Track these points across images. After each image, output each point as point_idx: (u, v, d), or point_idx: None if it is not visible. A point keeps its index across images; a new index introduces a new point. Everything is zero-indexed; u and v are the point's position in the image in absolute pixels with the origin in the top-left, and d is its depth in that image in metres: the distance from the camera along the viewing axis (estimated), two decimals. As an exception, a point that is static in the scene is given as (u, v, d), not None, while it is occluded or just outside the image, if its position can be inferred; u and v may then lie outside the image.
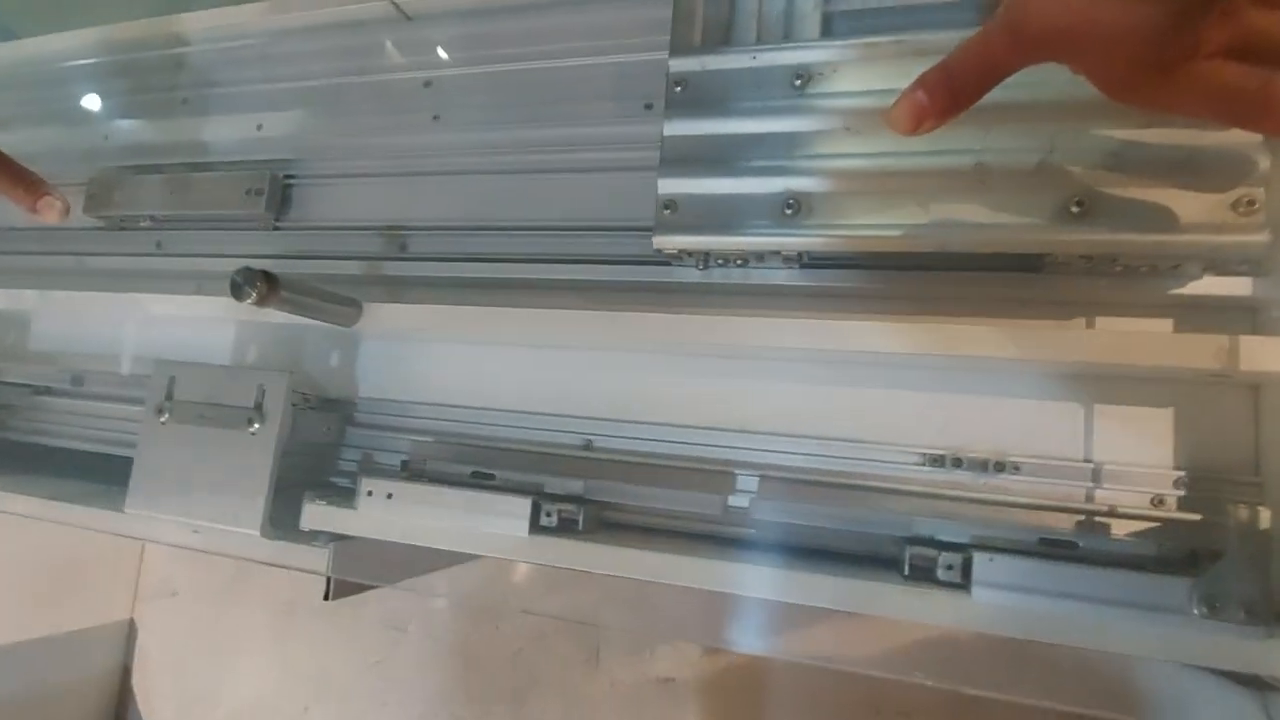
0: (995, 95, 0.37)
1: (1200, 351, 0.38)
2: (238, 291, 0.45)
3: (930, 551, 0.39)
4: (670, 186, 0.43)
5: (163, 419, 0.55)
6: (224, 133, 0.67)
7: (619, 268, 0.51)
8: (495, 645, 1.08)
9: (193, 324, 0.64)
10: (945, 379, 0.45)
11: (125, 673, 1.34)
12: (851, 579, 0.39)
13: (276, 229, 0.63)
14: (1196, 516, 0.38)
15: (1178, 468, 0.40)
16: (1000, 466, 0.42)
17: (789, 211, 0.40)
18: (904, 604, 0.38)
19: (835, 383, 0.46)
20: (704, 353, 0.48)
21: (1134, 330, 0.41)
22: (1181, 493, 0.39)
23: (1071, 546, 0.38)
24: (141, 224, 0.67)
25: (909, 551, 0.40)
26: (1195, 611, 0.34)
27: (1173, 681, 0.42)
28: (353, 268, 0.59)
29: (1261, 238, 0.34)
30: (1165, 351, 0.38)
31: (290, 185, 0.63)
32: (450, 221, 0.57)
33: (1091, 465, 0.41)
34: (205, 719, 1.27)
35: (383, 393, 0.58)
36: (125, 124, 0.72)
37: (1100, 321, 0.42)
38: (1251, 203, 0.34)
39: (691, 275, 0.48)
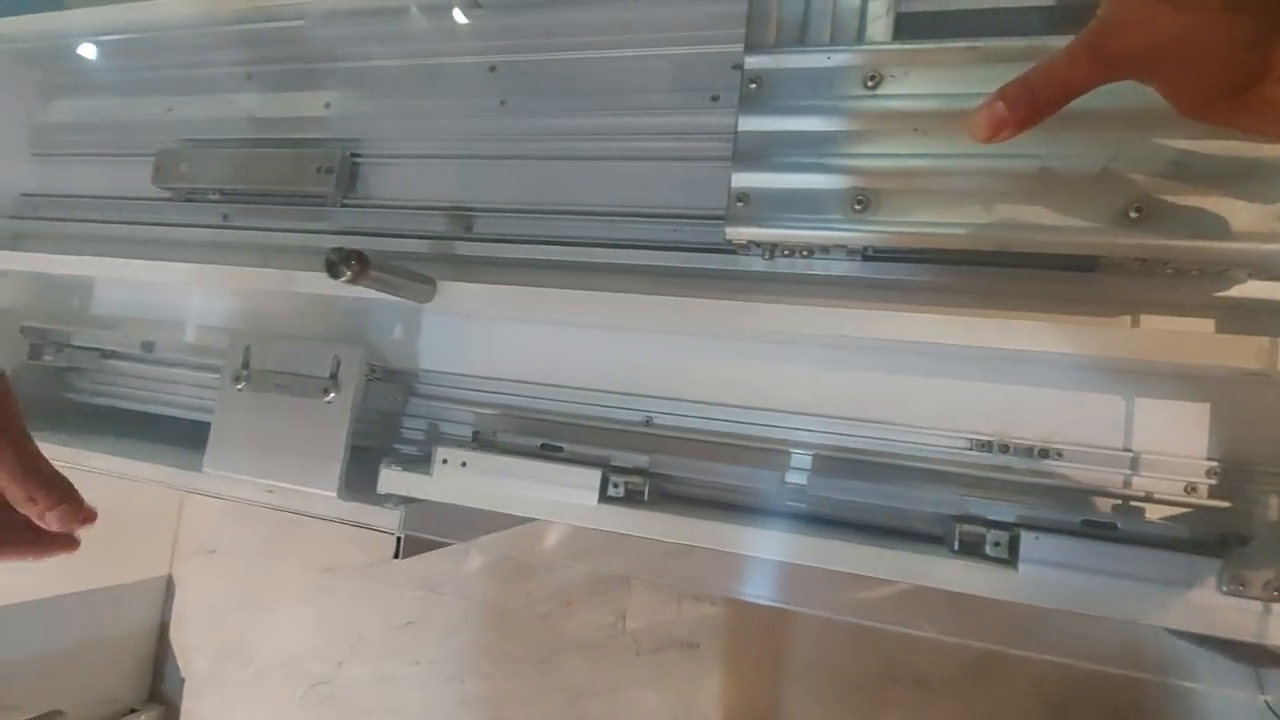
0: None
1: (1242, 352, 0.40)
2: (333, 270, 0.48)
3: (979, 529, 0.42)
4: (743, 180, 0.45)
5: (239, 386, 0.58)
6: (291, 109, 0.69)
7: (682, 254, 0.53)
8: (525, 608, 1.12)
9: (257, 296, 0.67)
10: (992, 369, 0.47)
11: (164, 628, 1.39)
12: (906, 552, 0.42)
13: (343, 206, 0.65)
14: (1226, 504, 0.41)
15: (1211, 458, 0.43)
16: (1044, 453, 0.45)
17: (858, 207, 0.43)
18: (954, 576, 0.41)
19: (888, 370, 0.49)
20: (767, 339, 0.51)
21: (1179, 329, 0.43)
22: (1213, 481, 0.42)
23: (1111, 528, 0.41)
24: (210, 197, 0.69)
25: (959, 528, 0.43)
26: (1223, 589, 0.37)
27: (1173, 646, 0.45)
28: (419, 246, 0.62)
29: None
30: (1208, 351, 0.41)
31: (357, 164, 0.65)
32: (515, 204, 0.59)
33: (1130, 454, 0.44)
34: (240, 674, 1.32)
35: (444, 366, 0.60)
36: (190, 99, 0.74)
37: (1145, 320, 0.45)
38: (1301, 213, 0.36)
39: (756, 264, 0.50)
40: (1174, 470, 0.43)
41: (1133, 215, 0.38)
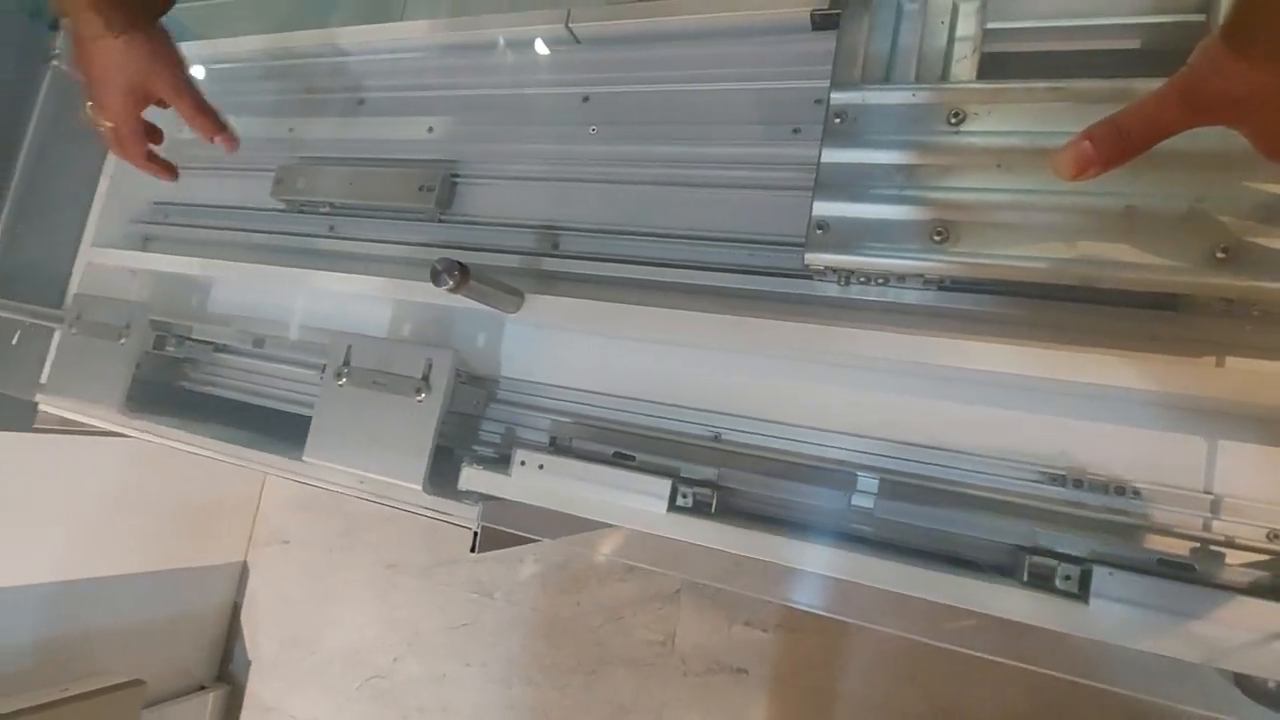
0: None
1: None
2: (437, 278, 0.51)
3: (1049, 561, 0.42)
4: (824, 209, 0.47)
5: (340, 382, 0.63)
6: (397, 133, 0.75)
7: (757, 277, 0.55)
8: (576, 620, 1.14)
9: (355, 300, 0.72)
10: (1068, 404, 0.47)
11: (235, 610, 1.47)
12: (974, 579, 0.43)
13: (440, 221, 0.70)
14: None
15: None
16: (1120, 490, 0.44)
17: (937, 238, 0.44)
18: (1022, 608, 0.41)
19: (961, 399, 0.49)
20: (839, 362, 0.52)
21: (1266, 371, 0.42)
22: (1302, 529, 0.41)
23: (1189, 569, 0.40)
24: (320, 209, 0.75)
25: (1029, 560, 0.42)
26: (1316, 638, 0.36)
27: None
28: (508, 260, 0.65)
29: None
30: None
31: (455, 183, 0.70)
32: (600, 225, 0.63)
33: (1211, 496, 0.43)
34: (304, 659, 1.38)
35: (524, 374, 0.64)
36: (308, 120, 0.81)
37: (1229, 361, 0.44)
38: None
39: (830, 290, 0.52)
40: (1256, 516, 0.42)
41: (1219, 256, 0.38)
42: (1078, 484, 0.45)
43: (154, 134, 0.68)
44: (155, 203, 0.89)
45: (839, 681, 0.97)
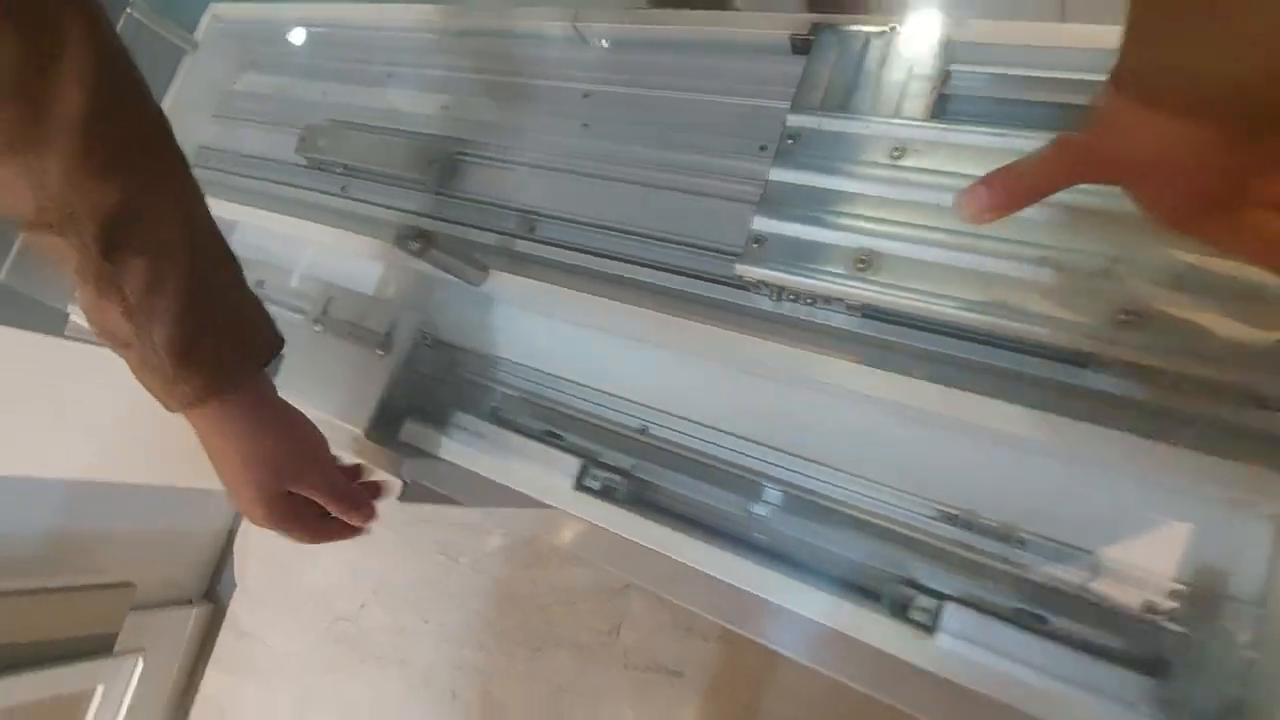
0: (1075, 198, 0.39)
1: (1229, 479, 0.38)
2: (403, 243, 0.54)
3: (911, 591, 0.42)
4: (763, 224, 0.47)
5: (316, 328, 0.66)
6: (415, 107, 0.78)
7: (705, 283, 0.56)
8: (531, 596, 1.15)
9: (352, 258, 0.75)
10: (977, 446, 0.47)
11: (230, 536, 1.54)
12: (836, 597, 0.43)
13: (438, 195, 0.73)
14: (1181, 629, 0.39)
15: (1180, 580, 0.40)
16: (1007, 537, 0.44)
17: (860, 266, 0.44)
18: (871, 631, 0.41)
19: (874, 426, 0.49)
20: (763, 374, 0.53)
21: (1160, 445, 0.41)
22: (1175, 604, 0.40)
23: (1041, 620, 0.39)
24: (336, 170, 0.79)
25: (895, 589, 0.42)
26: (1146, 711, 0.35)
27: None
28: (490, 239, 0.68)
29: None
30: (1189, 471, 0.39)
31: (458, 161, 0.73)
32: (575, 215, 0.64)
33: (1093, 557, 0.42)
34: (284, 593, 1.43)
35: (488, 347, 0.66)
36: (341, 86, 0.85)
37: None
38: (1295, 345, 0.35)
39: (765, 304, 0.52)
40: (1138, 583, 0.41)
41: (1122, 318, 0.38)
42: (968, 525, 0.45)
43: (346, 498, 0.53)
44: (202, 146, 0.95)
45: (768, 700, 0.96)
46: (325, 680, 1.32)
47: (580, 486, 0.52)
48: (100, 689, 1.22)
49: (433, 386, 0.65)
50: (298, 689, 1.35)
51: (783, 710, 0.96)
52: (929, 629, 0.40)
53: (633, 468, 0.54)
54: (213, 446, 0.48)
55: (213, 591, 1.51)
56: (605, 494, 0.52)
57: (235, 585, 1.49)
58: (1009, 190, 0.34)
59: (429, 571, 1.25)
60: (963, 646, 0.39)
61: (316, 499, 0.51)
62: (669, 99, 0.63)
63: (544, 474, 0.53)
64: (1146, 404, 0.41)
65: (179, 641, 1.41)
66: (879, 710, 0.85)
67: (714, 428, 0.54)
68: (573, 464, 0.52)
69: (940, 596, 0.41)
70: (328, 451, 0.53)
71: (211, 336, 0.45)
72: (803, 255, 0.46)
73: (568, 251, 0.63)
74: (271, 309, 0.77)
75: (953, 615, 0.40)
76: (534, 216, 0.66)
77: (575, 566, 1.12)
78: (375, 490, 0.56)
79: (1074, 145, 0.32)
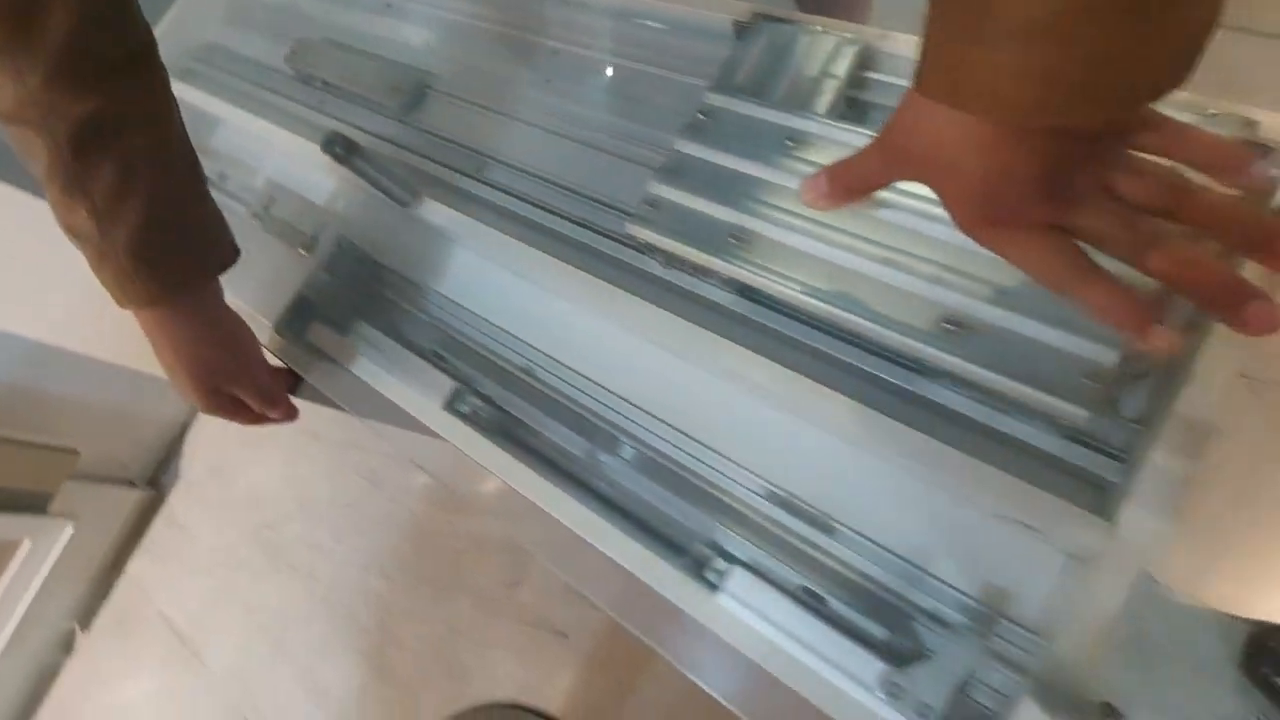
0: (928, 206, 0.40)
1: (1027, 506, 0.39)
2: (327, 147, 0.56)
3: (712, 553, 0.43)
4: (659, 189, 0.49)
5: (255, 221, 0.68)
6: (397, 35, 0.80)
7: (614, 244, 0.57)
8: (443, 538, 1.18)
9: (310, 167, 0.77)
10: (822, 438, 0.48)
11: (184, 430, 1.57)
12: (646, 549, 0.44)
13: (401, 122, 0.75)
14: (942, 633, 0.40)
15: (968, 594, 0.41)
16: (818, 523, 0.45)
17: (733, 242, 0.45)
18: (665, 580, 0.42)
19: (732, 399, 0.50)
20: (646, 337, 0.54)
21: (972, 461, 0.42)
22: (955, 613, 0.41)
23: (819, 600, 0.41)
24: (316, 84, 0.81)
25: (699, 548, 0.44)
26: (878, 692, 0.36)
27: None
28: (441, 172, 0.69)
29: (1084, 413, 0.35)
30: (994, 491, 0.40)
31: (427, 92, 0.75)
32: (518, 163, 0.66)
33: (894, 558, 0.43)
34: (218, 492, 1.46)
35: (411, 271, 0.67)
36: (343, 9, 0.87)
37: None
38: (1094, 376, 0.36)
39: (656, 269, 0.54)
40: (930, 591, 0.42)
41: (947, 327, 0.39)
42: (786, 506, 0.46)
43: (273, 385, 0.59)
44: (207, 44, 0.97)
45: (637, 681, 0.98)
46: (239, 580, 1.35)
47: (449, 407, 0.54)
48: (27, 544, 1.25)
49: (344, 294, 0.66)
50: (213, 583, 1.39)
51: (653, 692, 0.97)
52: (714, 588, 0.41)
53: (503, 401, 0.55)
54: (157, 344, 0.52)
55: (156, 479, 1.54)
56: (470, 419, 0.53)
57: (178, 478, 1.52)
58: (839, 182, 0.36)
59: (353, 496, 1.28)
60: (737, 607, 0.40)
61: (244, 399, 0.56)
62: (625, 67, 0.65)
63: (419, 390, 0.55)
64: (963, 417, 0.42)
65: (113, 519, 1.44)
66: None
67: (590, 379, 0.55)
68: (448, 385, 0.54)
69: (735, 562, 0.42)
70: (260, 355, 0.58)
71: (170, 246, 0.48)
72: (688, 224, 0.47)
73: (502, 195, 0.64)
74: (220, 198, 0.80)
75: (737, 579, 0.41)
76: (483, 159, 0.68)
77: (492, 518, 1.13)
78: (295, 383, 0.62)
79: (886, 142, 0.33)
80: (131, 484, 1.50)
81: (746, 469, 0.48)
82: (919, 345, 0.39)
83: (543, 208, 0.62)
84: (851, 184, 0.35)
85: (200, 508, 1.48)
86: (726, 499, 0.48)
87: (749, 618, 0.39)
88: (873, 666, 0.37)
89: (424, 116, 0.73)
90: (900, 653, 0.39)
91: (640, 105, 0.62)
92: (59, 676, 1.43)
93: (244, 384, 0.57)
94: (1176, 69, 0.25)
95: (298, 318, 0.62)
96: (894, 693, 0.35)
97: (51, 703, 1.41)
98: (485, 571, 1.14)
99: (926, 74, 0.28)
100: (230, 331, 0.56)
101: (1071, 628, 0.35)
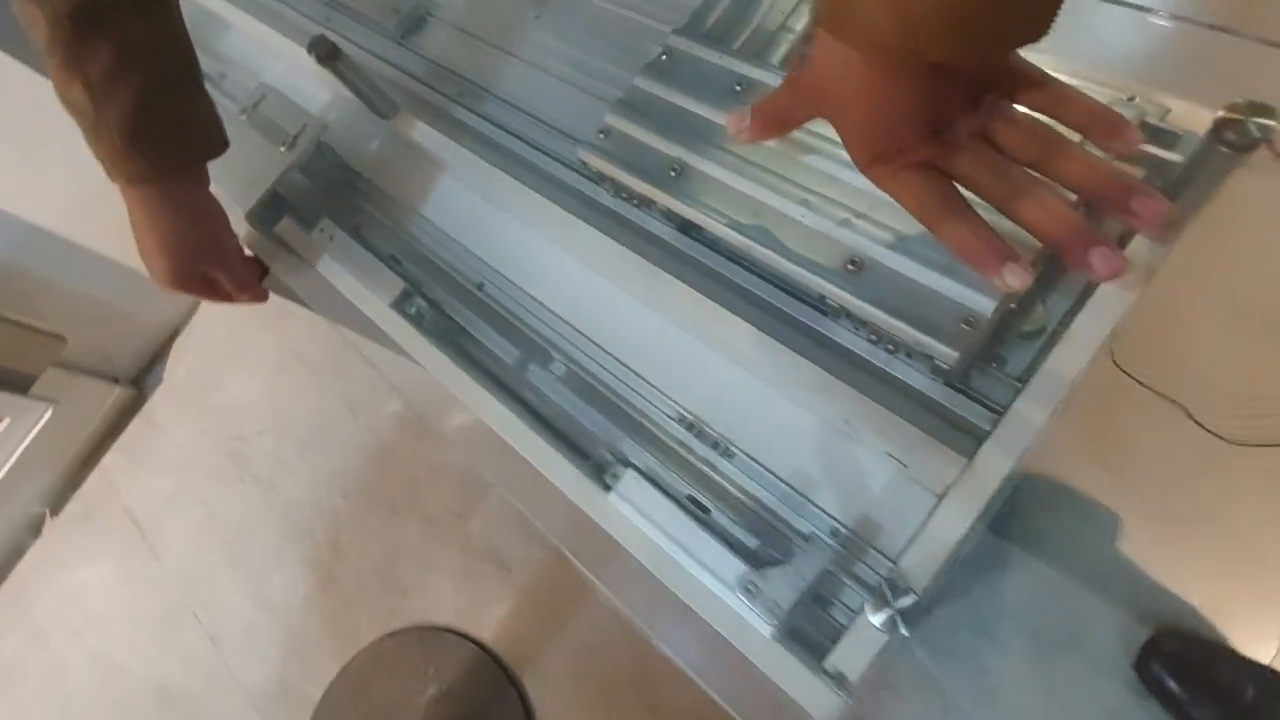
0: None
1: (905, 446, 0.42)
2: (312, 48, 0.58)
3: (613, 460, 0.46)
4: (614, 120, 0.51)
5: (242, 117, 0.70)
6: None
7: (570, 172, 0.60)
8: (405, 464, 1.21)
9: (306, 76, 0.79)
10: (737, 371, 0.50)
11: (174, 334, 1.60)
12: (556, 451, 0.47)
13: (399, 44, 0.76)
14: (805, 548, 0.42)
15: (841, 521, 0.44)
16: (718, 446, 0.48)
17: (672, 174, 0.48)
18: (566, 477, 0.45)
19: (658, 326, 0.53)
20: (590, 264, 0.56)
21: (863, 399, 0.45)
22: (827, 538, 0.43)
23: (704, 510, 0.43)
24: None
25: (606, 455, 0.47)
26: (736, 590, 0.39)
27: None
28: (423, 90, 0.72)
29: (954, 352, 0.38)
30: (878, 429, 0.42)
31: (427, 19, 0.76)
32: (500, 93, 0.68)
33: (783, 484, 0.46)
34: (203, 398, 1.50)
35: (385, 183, 0.70)
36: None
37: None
38: (971, 323, 0.38)
39: (606, 199, 0.56)
40: (808, 516, 0.45)
41: (849, 268, 0.41)
42: (691, 428, 0.49)
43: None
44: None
45: (575, 619, 1.01)
46: (205, 484, 1.39)
47: (396, 306, 0.56)
48: (6, 421, 1.29)
49: (315, 194, 0.69)
50: (180, 485, 1.42)
51: (585, 631, 1.00)
52: (608, 489, 0.44)
53: (449, 308, 0.58)
54: (139, 223, 0.54)
55: (140, 379, 1.58)
56: (414, 319, 0.56)
57: (162, 380, 1.55)
58: (758, 117, 0.38)
59: (328, 419, 1.31)
60: (625, 507, 0.43)
61: (219, 279, 0.60)
62: (609, 11, 0.67)
63: (371, 287, 0.57)
64: (859, 358, 0.45)
65: (92, 411, 1.47)
66: (661, 666, 0.89)
67: (534, 297, 0.58)
68: (398, 287, 0.56)
69: (629, 465, 0.45)
70: (236, 242, 0.61)
71: (160, 130, 0.51)
72: (634, 155, 0.49)
73: (477, 119, 0.66)
74: (216, 95, 0.82)
75: (629, 481, 0.44)
76: (471, 87, 0.70)
77: (455, 451, 1.16)
78: (263, 273, 0.65)
79: (798, 80, 0.35)
80: (115, 380, 1.53)
81: (663, 392, 0.51)
82: (820, 281, 0.41)
83: (514, 134, 0.64)
84: (769, 119, 0.37)
85: (179, 412, 1.52)
86: (639, 417, 0.50)
87: (633, 515, 0.42)
88: (736, 568, 0.39)
89: (420, 40, 0.75)
90: (763, 560, 0.42)
91: (616, 46, 0.64)
92: (24, 557, 1.47)
93: (220, 265, 0.59)
94: (1038, 20, 0.27)
95: (270, 210, 0.65)
96: (750, 590, 0.38)
97: (13, 580, 1.45)
98: (439, 500, 1.17)
99: (823, 9, 0.30)
100: (211, 216, 0.58)
101: (915, 551, 0.38)
